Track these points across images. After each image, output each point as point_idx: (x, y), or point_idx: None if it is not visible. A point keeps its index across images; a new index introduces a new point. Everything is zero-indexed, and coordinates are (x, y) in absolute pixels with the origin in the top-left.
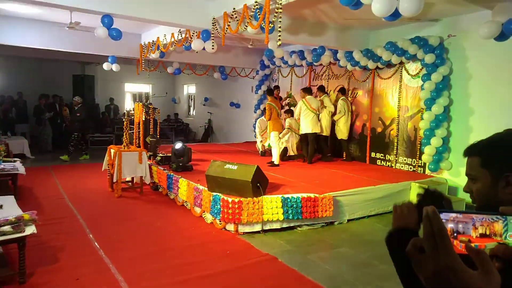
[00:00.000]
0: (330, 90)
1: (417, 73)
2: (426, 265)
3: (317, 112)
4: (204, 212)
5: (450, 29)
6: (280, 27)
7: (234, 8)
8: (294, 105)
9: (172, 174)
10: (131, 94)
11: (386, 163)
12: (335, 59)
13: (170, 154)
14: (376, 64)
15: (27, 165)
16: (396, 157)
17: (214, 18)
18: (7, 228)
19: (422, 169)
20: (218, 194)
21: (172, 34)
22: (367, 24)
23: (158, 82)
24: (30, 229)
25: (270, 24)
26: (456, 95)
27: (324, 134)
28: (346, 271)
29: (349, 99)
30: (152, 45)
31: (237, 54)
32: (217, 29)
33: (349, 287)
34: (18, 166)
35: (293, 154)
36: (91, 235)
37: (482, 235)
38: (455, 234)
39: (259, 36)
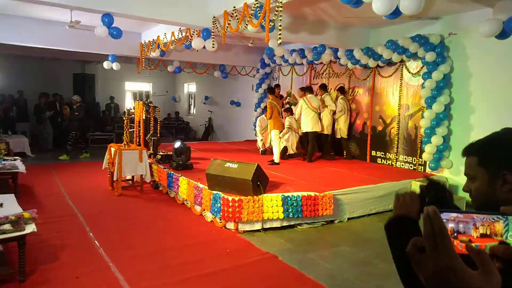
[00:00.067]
0: (331, 89)
1: (418, 71)
2: (426, 265)
3: (318, 111)
4: (204, 210)
5: (451, 27)
6: (280, 25)
7: (234, 7)
8: (295, 104)
9: (172, 172)
10: (132, 92)
11: (386, 162)
12: (336, 58)
13: (170, 153)
14: (376, 63)
15: (28, 164)
16: (396, 155)
17: (214, 17)
18: (7, 226)
19: (422, 167)
20: (218, 192)
21: (173, 32)
22: (367, 23)
23: (158, 81)
24: (30, 228)
25: (270, 23)
26: (457, 94)
27: (325, 132)
28: (346, 269)
29: (349, 97)
30: (153, 43)
31: (238, 52)
32: (217, 27)
33: (349, 285)
34: (19, 165)
35: (293, 152)
36: (91, 234)
37: (483, 235)
38: (455, 234)
39: (259, 35)
